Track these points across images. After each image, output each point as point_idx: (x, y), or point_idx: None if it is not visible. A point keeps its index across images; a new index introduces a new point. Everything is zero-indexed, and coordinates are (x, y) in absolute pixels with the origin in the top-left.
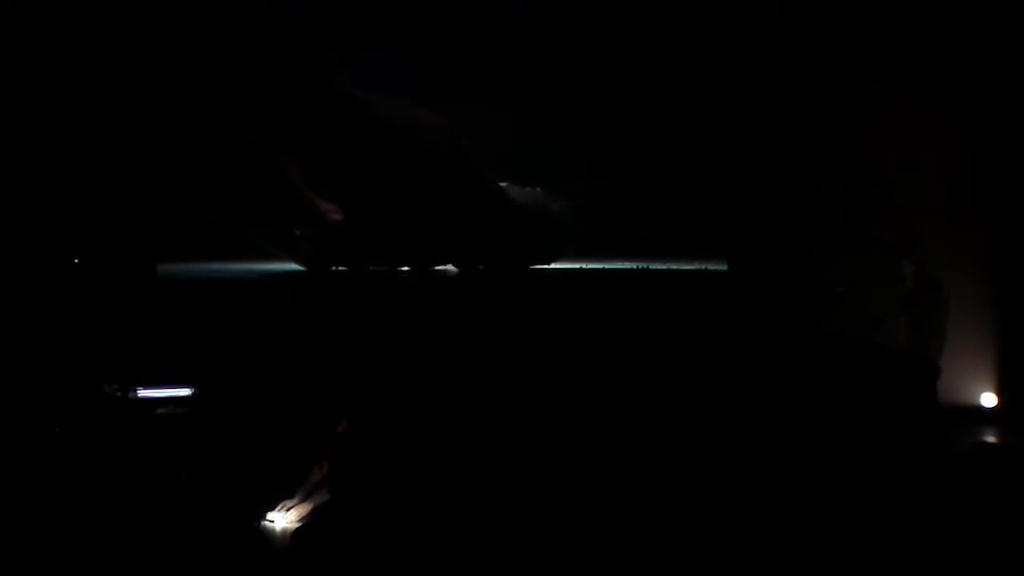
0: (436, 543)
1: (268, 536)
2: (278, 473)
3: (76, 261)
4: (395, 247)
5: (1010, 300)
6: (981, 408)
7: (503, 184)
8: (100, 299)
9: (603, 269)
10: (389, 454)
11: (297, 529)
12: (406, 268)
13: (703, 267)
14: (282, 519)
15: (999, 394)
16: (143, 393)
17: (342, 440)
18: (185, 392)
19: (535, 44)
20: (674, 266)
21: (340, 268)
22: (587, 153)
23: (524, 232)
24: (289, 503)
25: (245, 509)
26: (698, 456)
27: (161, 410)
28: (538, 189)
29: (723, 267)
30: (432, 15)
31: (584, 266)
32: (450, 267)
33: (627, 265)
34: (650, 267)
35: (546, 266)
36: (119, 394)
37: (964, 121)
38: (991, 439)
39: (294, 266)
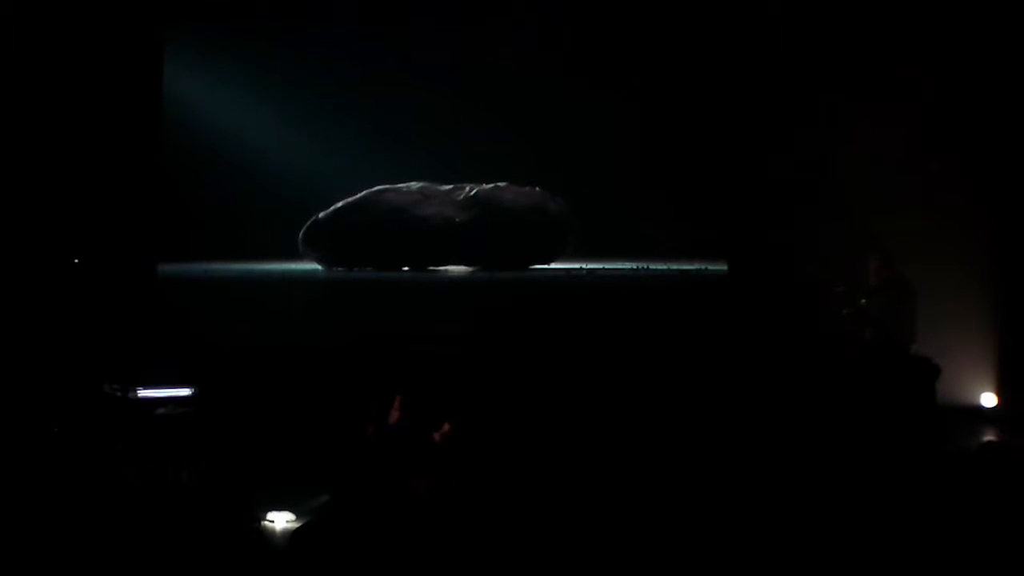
0: (436, 543)
1: (268, 536)
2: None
3: (76, 261)
4: None
5: (1010, 300)
6: (981, 408)
7: (502, 184)
8: (100, 299)
9: (603, 269)
10: (390, 455)
11: (297, 529)
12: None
13: (703, 267)
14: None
15: (999, 394)
16: (143, 393)
17: (347, 441)
18: (185, 392)
19: (537, 44)
20: (674, 266)
21: None
22: (587, 153)
23: None
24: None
25: (245, 509)
26: (699, 453)
27: (161, 410)
28: (537, 189)
29: (723, 267)
30: (436, 13)
31: (584, 266)
32: (452, 268)
33: (627, 265)
34: (650, 267)
35: (546, 266)
36: (119, 394)
37: (964, 121)
38: (992, 438)
39: (298, 267)
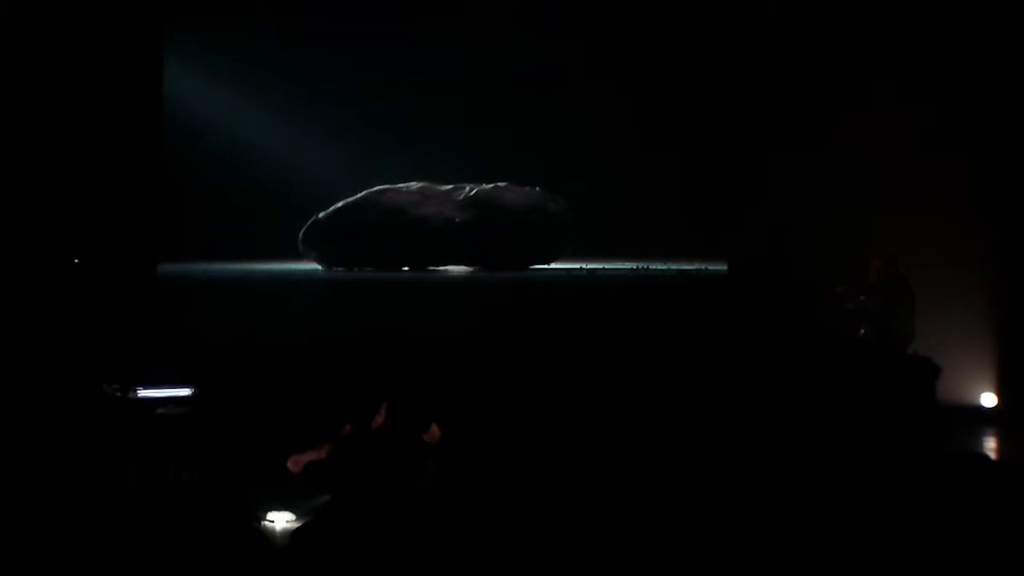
0: (436, 543)
1: (268, 536)
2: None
3: (76, 261)
4: None
5: (1010, 300)
6: (981, 408)
7: (502, 184)
8: (100, 299)
9: (603, 269)
10: (390, 454)
11: (297, 529)
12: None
13: (703, 267)
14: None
15: (999, 394)
16: (143, 393)
17: (344, 440)
18: (185, 392)
19: (537, 44)
20: (674, 266)
21: None
22: (586, 154)
23: None
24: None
25: (245, 509)
26: (698, 454)
27: (161, 410)
28: (537, 189)
29: (723, 267)
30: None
31: (584, 266)
32: (452, 268)
33: (627, 265)
34: (650, 267)
35: (546, 266)
36: (119, 394)
37: (964, 122)
38: (990, 439)
39: (298, 267)
